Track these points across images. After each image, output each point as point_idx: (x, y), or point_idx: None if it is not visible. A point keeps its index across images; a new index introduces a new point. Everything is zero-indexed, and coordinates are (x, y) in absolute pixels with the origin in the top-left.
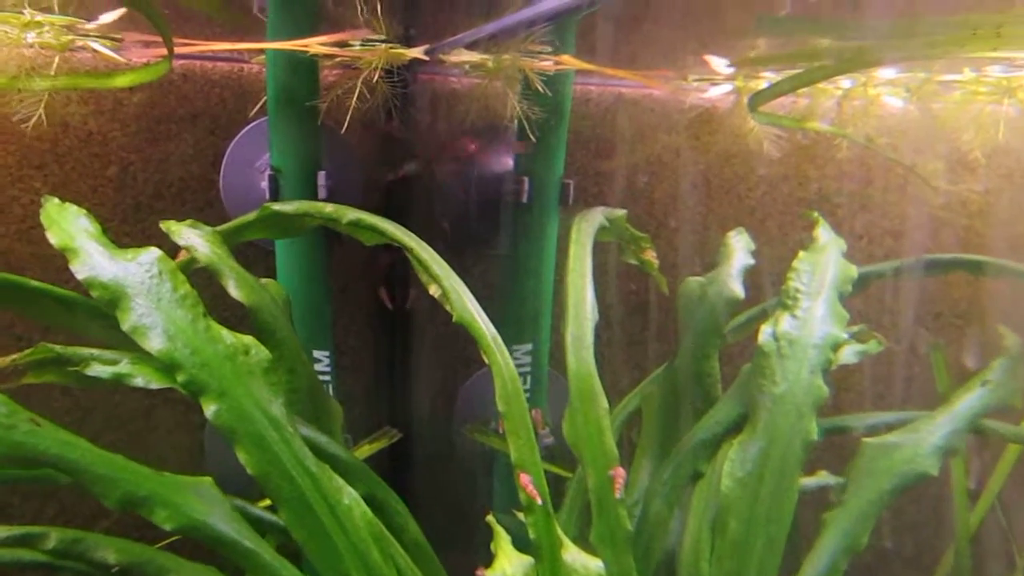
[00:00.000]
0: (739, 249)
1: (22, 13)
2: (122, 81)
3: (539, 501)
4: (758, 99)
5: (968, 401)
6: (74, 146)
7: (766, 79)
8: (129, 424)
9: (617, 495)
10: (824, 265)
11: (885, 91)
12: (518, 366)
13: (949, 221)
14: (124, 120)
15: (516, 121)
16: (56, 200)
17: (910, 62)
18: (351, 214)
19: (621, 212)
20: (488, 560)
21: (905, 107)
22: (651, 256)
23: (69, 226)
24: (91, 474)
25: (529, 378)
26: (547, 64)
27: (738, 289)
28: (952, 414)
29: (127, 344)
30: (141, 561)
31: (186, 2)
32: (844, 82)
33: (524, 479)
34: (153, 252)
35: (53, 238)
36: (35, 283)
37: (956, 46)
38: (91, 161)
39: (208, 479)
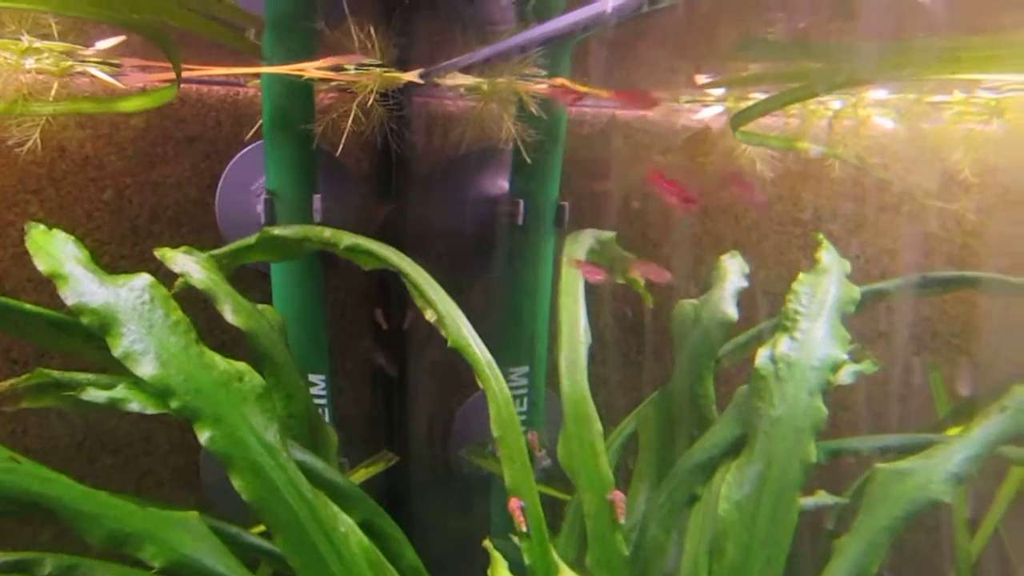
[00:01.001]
0: (733, 271)
1: (20, 39)
2: (128, 106)
3: (524, 528)
4: (739, 119)
5: (985, 428)
6: (70, 170)
7: (757, 100)
8: (126, 447)
9: (620, 519)
10: (826, 286)
11: (875, 112)
12: (515, 388)
13: (945, 239)
14: (120, 144)
15: (511, 143)
16: (41, 227)
17: (890, 83)
18: (348, 239)
19: (610, 234)
20: None
21: (896, 127)
22: (637, 275)
23: (56, 252)
24: (73, 511)
25: (526, 400)
26: (542, 87)
27: (732, 311)
28: (968, 441)
29: (122, 367)
30: None
31: (197, 30)
32: (834, 103)
33: (514, 504)
34: (144, 278)
35: (40, 265)
36: (29, 306)
37: (922, 69)
38: (87, 185)
39: (194, 513)
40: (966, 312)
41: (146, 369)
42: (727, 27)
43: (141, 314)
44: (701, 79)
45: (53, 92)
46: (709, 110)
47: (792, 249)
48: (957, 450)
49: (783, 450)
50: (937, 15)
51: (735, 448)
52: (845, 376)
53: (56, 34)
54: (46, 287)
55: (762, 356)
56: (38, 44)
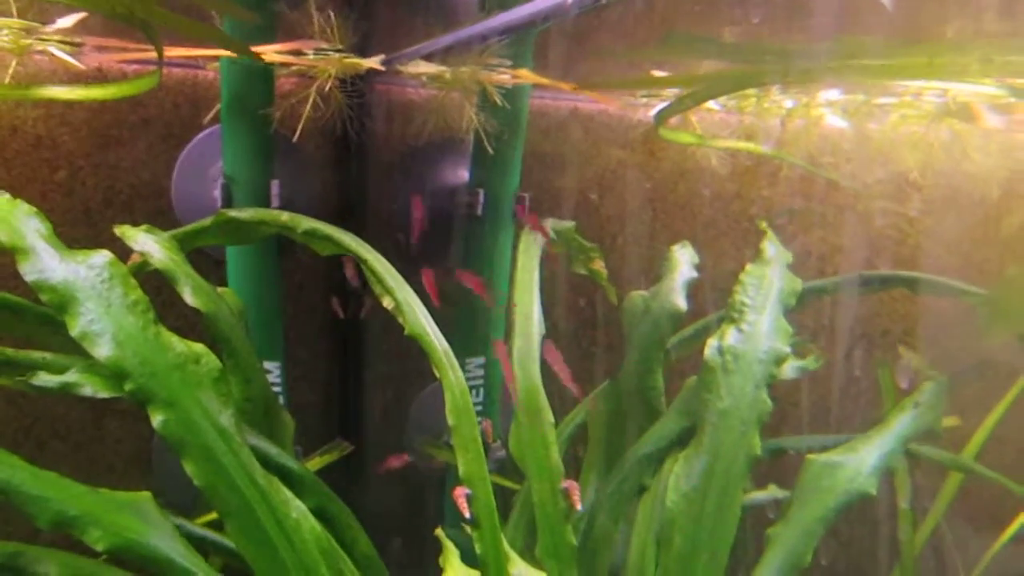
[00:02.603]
0: (683, 262)
1: None
2: (106, 94)
3: (467, 515)
4: (662, 115)
5: (901, 423)
6: (22, 150)
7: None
8: (76, 434)
9: (577, 507)
10: (770, 278)
11: (827, 112)
12: (471, 379)
13: (896, 239)
14: (74, 124)
15: (472, 133)
16: (7, 195)
17: (841, 83)
18: (307, 223)
19: (569, 223)
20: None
21: (847, 127)
22: (600, 266)
23: (20, 225)
24: (23, 495)
25: (482, 391)
26: (504, 77)
27: (681, 303)
28: (887, 436)
29: (76, 350)
30: (83, 575)
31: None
32: (786, 102)
33: (458, 492)
34: (104, 255)
35: (2, 235)
36: None
37: (858, 73)
38: (40, 166)
39: (147, 495)
40: (916, 310)
41: (102, 350)
42: (684, 21)
43: (100, 293)
44: (658, 75)
45: (10, 71)
46: (663, 105)
47: (748, 246)
48: (879, 445)
49: (730, 442)
50: (889, 17)
51: (683, 440)
52: (790, 371)
53: (15, 11)
54: (1, 269)
55: (711, 348)
56: None
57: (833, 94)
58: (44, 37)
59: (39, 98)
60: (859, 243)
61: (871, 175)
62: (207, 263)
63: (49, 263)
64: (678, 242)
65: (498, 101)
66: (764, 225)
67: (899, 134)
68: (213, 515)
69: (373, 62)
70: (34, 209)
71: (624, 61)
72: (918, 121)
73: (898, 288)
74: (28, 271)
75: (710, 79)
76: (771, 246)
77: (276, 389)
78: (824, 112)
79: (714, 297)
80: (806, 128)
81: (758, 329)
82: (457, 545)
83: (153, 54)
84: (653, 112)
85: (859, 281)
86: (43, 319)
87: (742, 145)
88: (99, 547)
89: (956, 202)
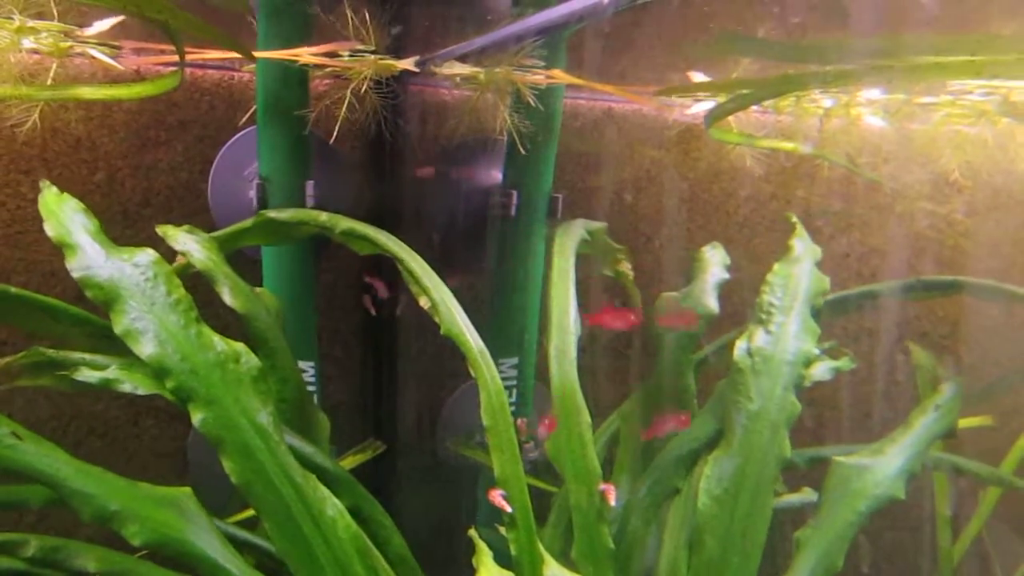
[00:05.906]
0: (714, 263)
1: (12, 19)
2: (128, 93)
3: (508, 509)
4: (712, 117)
5: (924, 424)
6: (62, 151)
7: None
8: (113, 431)
9: (612, 503)
10: (798, 277)
11: (867, 111)
12: (504, 380)
13: (936, 240)
14: (113, 126)
15: (506, 134)
16: (55, 189)
17: (882, 83)
18: (345, 223)
19: (600, 225)
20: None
21: (887, 127)
22: (626, 268)
23: (67, 220)
24: (68, 488)
25: (515, 392)
26: (538, 78)
27: (713, 304)
28: (911, 438)
29: (112, 351)
30: (121, 570)
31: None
32: (826, 101)
33: (494, 492)
34: (149, 253)
35: (50, 230)
36: (16, 290)
37: (911, 73)
38: (79, 167)
39: (187, 490)
40: (955, 313)
41: (145, 348)
42: (721, 21)
43: (144, 291)
44: (693, 75)
45: (52, 73)
46: (701, 105)
47: (784, 247)
48: (904, 447)
49: (760, 444)
50: (932, 12)
51: (715, 442)
52: (822, 372)
53: (55, 14)
54: (37, 268)
55: (739, 349)
56: (32, 24)
57: (874, 93)
58: (84, 40)
59: (65, 98)
60: (897, 244)
61: (910, 176)
62: (242, 261)
63: (96, 259)
64: (712, 243)
65: (532, 102)
66: (794, 219)
67: (940, 134)
68: (247, 513)
69: (408, 63)
70: (81, 205)
71: (661, 62)
72: (961, 120)
73: (949, 294)
74: (75, 267)
75: (769, 83)
76: (800, 242)
77: (310, 388)
78: (864, 111)
79: (750, 299)
80: (844, 128)
81: (785, 330)
82: (490, 546)
83: (191, 55)
84: (694, 111)
85: (910, 286)
86: (78, 320)
87: (788, 146)
88: (136, 542)
89: (999, 203)
